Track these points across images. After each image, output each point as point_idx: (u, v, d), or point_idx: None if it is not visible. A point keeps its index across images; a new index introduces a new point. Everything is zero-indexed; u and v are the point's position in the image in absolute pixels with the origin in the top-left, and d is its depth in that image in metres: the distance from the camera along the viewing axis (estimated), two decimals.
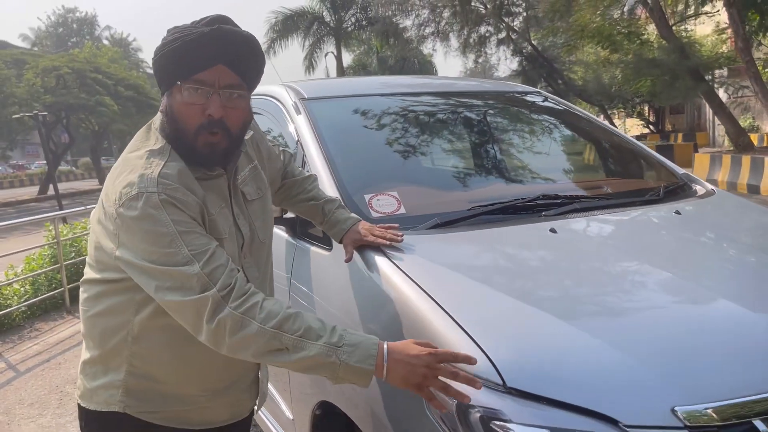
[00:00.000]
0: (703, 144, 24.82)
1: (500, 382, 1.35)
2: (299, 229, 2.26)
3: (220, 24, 1.47)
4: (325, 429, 2.09)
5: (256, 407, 1.86)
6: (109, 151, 52.85)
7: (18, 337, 6.12)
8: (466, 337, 1.45)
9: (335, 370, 1.39)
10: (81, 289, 1.64)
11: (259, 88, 2.34)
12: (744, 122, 22.96)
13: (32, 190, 31.80)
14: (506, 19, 25.06)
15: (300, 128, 2.45)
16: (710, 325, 1.51)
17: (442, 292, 1.61)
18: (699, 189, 2.54)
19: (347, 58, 39.62)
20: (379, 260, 1.80)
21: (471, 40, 26.29)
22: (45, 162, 29.17)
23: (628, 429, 1.28)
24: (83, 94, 26.97)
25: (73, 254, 7.36)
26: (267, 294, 1.71)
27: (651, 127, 30.30)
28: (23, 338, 6.07)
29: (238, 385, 1.71)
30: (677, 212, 2.17)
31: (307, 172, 2.20)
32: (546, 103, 3.18)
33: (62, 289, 6.86)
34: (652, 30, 18.49)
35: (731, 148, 16.03)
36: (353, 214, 1.96)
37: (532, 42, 25.74)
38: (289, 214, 2.20)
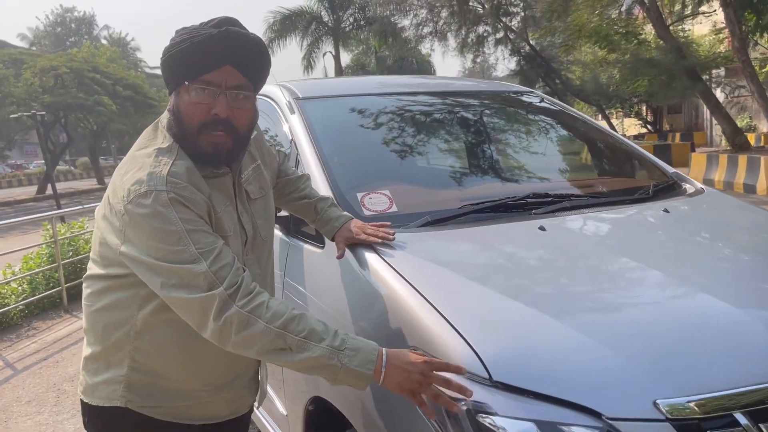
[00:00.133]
0: (700, 143, 24.88)
1: (486, 376, 1.38)
2: (292, 227, 2.29)
3: (228, 26, 1.49)
4: (317, 424, 2.12)
5: (256, 404, 1.88)
6: (108, 150, 52.82)
7: (16, 335, 6.14)
8: (454, 333, 1.47)
9: (336, 372, 1.43)
10: (84, 285, 1.65)
11: None
12: (741, 122, 23.00)
13: (30, 190, 31.79)
14: (504, 19, 25.07)
15: (294, 127, 2.48)
16: (693, 321, 1.54)
17: (431, 288, 1.64)
18: (689, 188, 2.57)
19: (345, 58, 39.66)
20: (370, 257, 1.82)
21: (469, 40, 26.30)
22: (43, 161, 29.16)
23: (610, 421, 1.31)
24: (81, 93, 26.97)
25: (71, 253, 7.39)
26: (268, 291, 1.74)
27: (649, 126, 30.35)
28: (21, 337, 6.09)
29: (239, 381, 1.73)
30: (666, 210, 2.20)
31: (301, 171, 2.22)
32: (539, 103, 3.21)
33: (60, 288, 6.88)
34: (649, 30, 18.53)
35: (728, 148, 16.08)
36: (345, 212, 1.99)
37: (530, 42, 25.76)
38: (283, 213, 2.23)
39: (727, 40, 15.79)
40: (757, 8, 13.62)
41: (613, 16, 19.29)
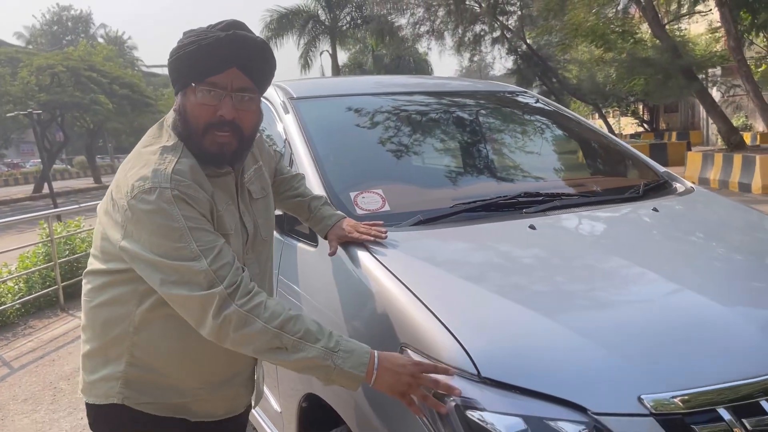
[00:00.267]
0: (696, 142, 24.94)
1: (475, 373, 1.41)
2: (286, 226, 2.31)
3: (235, 29, 1.52)
4: (311, 421, 2.14)
5: (252, 404, 1.90)
6: (104, 149, 52.77)
7: (12, 334, 6.15)
8: (444, 330, 1.50)
9: (329, 373, 1.46)
10: (84, 281, 1.67)
11: None
12: (737, 121, 23.06)
13: (27, 189, 31.74)
14: (501, 18, 25.11)
15: (288, 127, 2.50)
16: (678, 318, 1.56)
17: (422, 286, 1.66)
18: (679, 187, 2.60)
19: (343, 57, 39.64)
20: (363, 256, 1.85)
21: (466, 39, 26.33)
22: (40, 160, 29.10)
23: (596, 416, 1.33)
24: (78, 92, 26.93)
25: (67, 252, 7.40)
26: (267, 290, 1.78)
27: (645, 125, 30.40)
28: (17, 335, 6.11)
29: (237, 380, 1.75)
30: (655, 209, 2.23)
31: (295, 171, 2.24)
32: (532, 103, 3.23)
33: (56, 286, 6.89)
34: (645, 29, 18.58)
35: (724, 147, 16.12)
36: (338, 211, 2.01)
37: (527, 41, 25.79)
38: (277, 212, 2.25)
39: (723, 39, 15.81)
40: (752, 7, 13.67)
41: (610, 15, 19.32)
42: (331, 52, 35.25)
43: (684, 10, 18.47)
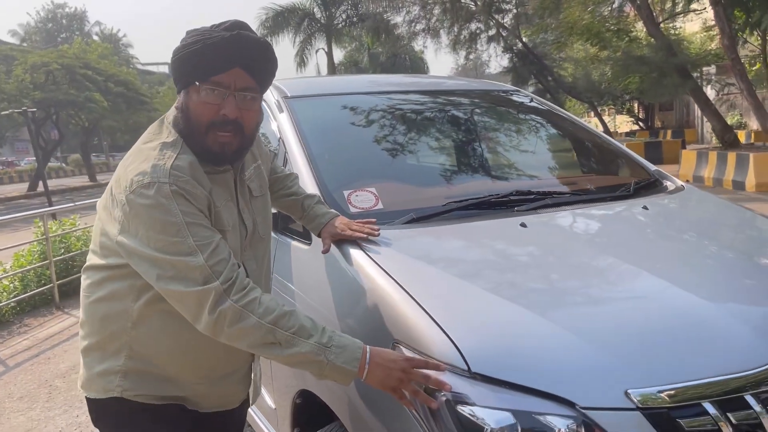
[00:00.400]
0: (691, 141, 25.03)
1: (465, 368, 1.43)
2: (280, 224, 2.32)
3: (239, 30, 1.53)
4: (305, 417, 2.16)
5: (250, 401, 1.92)
6: (99, 147, 52.62)
7: (7, 332, 6.16)
8: (435, 326, 1.52)
9: (322, 368, 1.48)
10: (83, 276, 1.69)
11: None
12: (731, 119, 23.15)
13: (22, 187, 31.66)
14: (496, 16, 25.12)
15: (282, 126, 2.51)
16: (665, 313, 1.59)
17: (414, 283, 1.68)
18: (669, 185, 2.63)
19: (338, 55, 39.67)
20: (356, 253, 1.87)
21: (461, 37, 26.34)
22: (34, 158, 29.03)
23: (584, 411, 1.36)
24: (73, 90, 26.84)
25: (62, 251, 7.40)
26: (264, 286, 1.80)
27: (640, 123, 30.48)
28: (12, 334, 6.11)
29: (234, 377, 1.78)
30: (645, 207, 2.26)
31: (289, 169, 2.26)
32: (526, 102, 3.26)
33: (51, 285, 6.89)
34: (640, 27, 18.61)
35: (718, 145, 16.18)
36: (332, 210, 2.03)
37: (522, 39, 25.82)
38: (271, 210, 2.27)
39: (717, 37, 15.85)
40: (746, 6, 13.70)
41: (605, 13, 19.36)
42: (326, 50, 35.24)
43: (679, 9, 18.49)
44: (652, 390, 1.38)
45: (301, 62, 34.51)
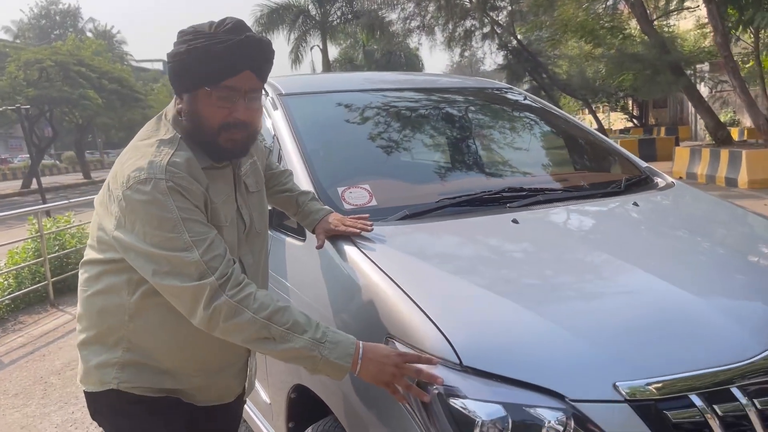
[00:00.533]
0: (685, 137, 25.14)
1: (457, 362, 1.45)
2: (274, 220, 2.34)
3: (247, 33, 1.53)
4: (300, 411, 2.19)
5: (245, 396, 1.94)
6: (93, 144, 52.42)
7: (2, 329, 6.15)
8: (428, 321, 1.54)
9: (316, 363, 1.51)
10: (81, 271, 1.71)
11: None
12: (725, 116, 23.24)
13: (15, 184, 31.50)
14: (491, 14, 25.13)
15: (277, 123, 2.53)
16: (653, 307, 1.61)
17: (407, 279, 1.71)
18: (660, 182, 2.66)
19: (333, 52, 39.59)
20: (350, 250, 1.89)
21: (456, 34, 26.35)
22: (28, 156, 28.91)
23: (573, 403, 1.38)
24: (66, 87, 26.75)
25: (57, 248, 7.39)
26: (261, 280, 1.82)
27: (635, 120, 30.57)
28: (7, 331, 6.11)
29: (230, 370, 1.80)
30: (635, 203, 2.28)
31: (283, 166, 2.28)
32: (519, 99, 3.28)
33: (46, 282, 6.89)
34: (634, 25, 18.66)
35: (711, 142, 16.24)
36: (326, 206, 2.05)
37: (517, 36, 25.84)
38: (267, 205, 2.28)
39: (710, 35, 15.90)
40: (739, 4, 13.76)
41: (599, 10, 19.39)
42: (321, 47, 35.19)
43: (672, 7, 18.56)
44: (640, 383, 1.40)
45: (296, 59, 34.48)
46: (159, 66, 62.97)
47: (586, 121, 28.81)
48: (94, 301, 1.65)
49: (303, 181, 2.20)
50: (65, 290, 7.30)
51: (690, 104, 19.97)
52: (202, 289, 1.46)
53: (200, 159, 1.59)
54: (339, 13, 34.75)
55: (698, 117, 22.03)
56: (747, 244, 2.19)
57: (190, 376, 1.70)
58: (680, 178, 12.68)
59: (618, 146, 2.99)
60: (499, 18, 25.81)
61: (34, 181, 20.59)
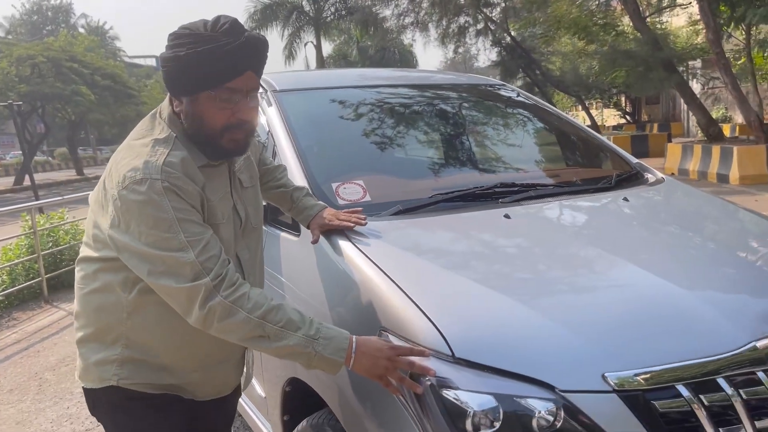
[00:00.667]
0: (677, 134, 25.23)
1: (450, 354, 1.48)
2: (269, 216, 2.36)
3: (246, 33, 1.53)
4: (295, 405, 2.21)
5: (242, 386, 1.97)
6: (86, 141, 52.20)
7: None
8: (420, 314, 1.57)
9: (310, 359, 1.53)
10: (77, 269, 1.71)
11: None
12: (716, 113, 23.35)
13: (8, 181, 31.32)
14: (485, 10, 25.13)
15: (271, 120, 2.55)
16: (641, 300, 1.65)
17: (401, 273, 1.73)
18: (650, 177, 2.69)
19: (327, 48, 39.55)
20: (344, 245, 1.91)
21: (450, 31, 26.33)
22: (20, 152, 28.75)
23: (563, 393, 1.41)
24: (59, 83, 26.59)
25: (51, 244, 7.38)
26: (258, 275, 1.84)
27: (627, 117, 30.69)
28: (1, 327, 6.10)
29: (228, 363, 1.82)
30: (625, 199, 2.32)
31: (278, 162, 2.30)
32: (512, 96, 3.31)
33: (40, 278, 6.88)
34: (627, 21, 18.71)
35: (703, 138, 16.34)
36: (320, 201, 2.07)
37: (511, 33, 25.86)
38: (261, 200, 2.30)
39: (703, 32, 15.97)
40: (730, 1, 13.82)
41: (592, 7, 19.44)
42: (315, 43, 35.15)
43: (665, 3, 18.64)
44: (628, 373, 1.44)
45: (290, 55, 34.46)
46: (152, 62, 62.67)
47: (580, 117, 28.88)
48: (91, 298, 1.66)
49: (297, 177, 2.22)
50: (59, 287, 7.29)
51: (682, 101, 20.02)
52: (197, 289, 1.47)
53: (196, 157, 1.59)
54: (333, 10, 34.74)
55: (690, 113, 22.14)
56: (734, 239, 2.23)
57: (189, 371, 1.72)
58: (672, 174, 12.75)
59: (609, 142, 3.02)
60: (493, 14, 25.82)
61: (27, 177, 20.49)
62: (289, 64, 34.37)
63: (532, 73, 26.74)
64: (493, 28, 26.17)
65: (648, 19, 17.83)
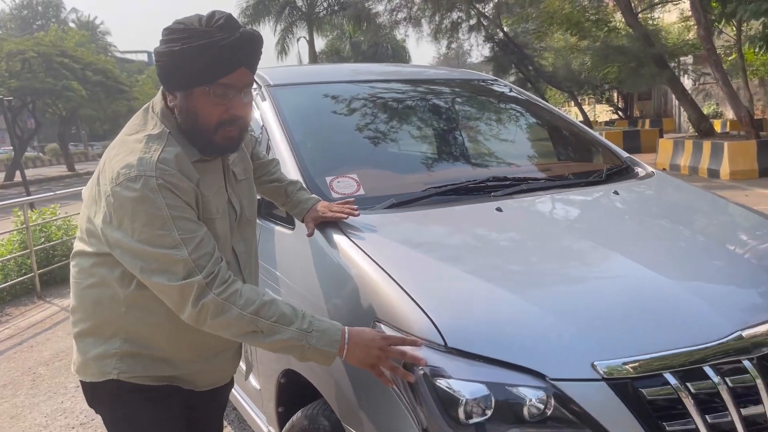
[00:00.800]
0: (669, 129, 25.35)
1: (442, 343, 1.51)
2: (264, 210, 2.38)
3: (240, 29, 1.53)
4: (289, 396, 2.23)
5: (245, 377, 1.98)
6: (77, 136, 51.90)
7: None
8: (413, 305, 1.60)
9: (304, 352, 1.55)
10: (72, 263, 1.72)
11: None
12: (708, 108, 23.46)
13: None
14: (477, 6, 25.13)
15: (265, 114, 2.56)
16: (629, 290, 1.68)
17: (394, 264, 1.76)
18: (640, 171, 2.73)
19: (320, 44, 39.46)
20: (338, 238, 1.94)
21: (443, 26, 26.33)
22: (11, 148, 28.59)
23: (553, 382, 1.44)
24: (50, 78, 26.45)
25: (43, 240, 7.36)
26: (253, 267, 1.85)
27: (620, 113, 30.78)
28: None
29: (227, 354, 1.84)
30: (615, 192, 2.35)
31: (272, 157, 2.31)
32: (504, 91, 3.33)
33: (32, 274, 6.87)
34: (619, 17, 18.76)
35: (694, 134, 16.43)
36: (314, 195, 2.09)
37: (503, 28, 25.88)
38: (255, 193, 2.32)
39: (694, 28, 16.04)
40: None
41: (585, 3, 19.49)
42: (308, 38, 35.05)
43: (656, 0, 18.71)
44: (617, 362, 1.47)
45: (282, 51, 34.34)
46: (143, 57, 62.39)
47: (572, 113, 28.96)
48: (88, 293, 1.66)
49: (291, 172, 2.23)
50: (52, 282, 7.28)
51: (674, 97, 20.12)
52: (189, 287, 1.48)
53: (189, 153, 1.59)
54: (325, 5, 34.64)
55: (682, 109, 22.25)
56: (722, 232, 2.26)
57: (189, 362, 1.73)
58: (664, 169, 12.82)
59: (600, 137, 3.05)
60: (486, 10, 25.82)
61: (18, 173, 20.37)
62: (281, 60, 34.28)
63: (525, 69, 26.79)
64: (485, 23, 26.18)
65: (640, 15, 17.89)
